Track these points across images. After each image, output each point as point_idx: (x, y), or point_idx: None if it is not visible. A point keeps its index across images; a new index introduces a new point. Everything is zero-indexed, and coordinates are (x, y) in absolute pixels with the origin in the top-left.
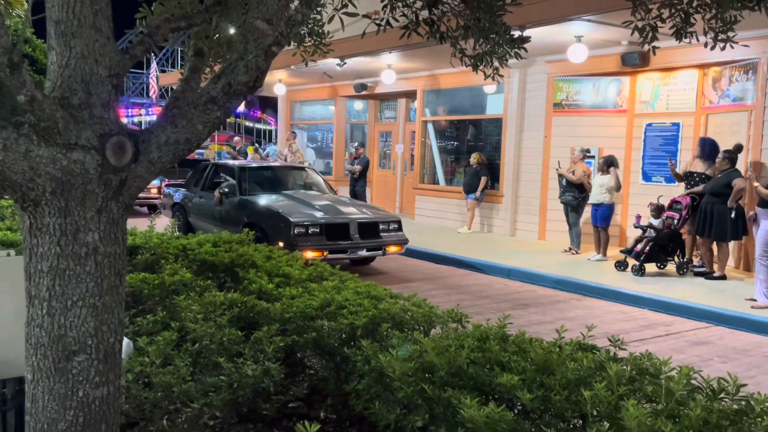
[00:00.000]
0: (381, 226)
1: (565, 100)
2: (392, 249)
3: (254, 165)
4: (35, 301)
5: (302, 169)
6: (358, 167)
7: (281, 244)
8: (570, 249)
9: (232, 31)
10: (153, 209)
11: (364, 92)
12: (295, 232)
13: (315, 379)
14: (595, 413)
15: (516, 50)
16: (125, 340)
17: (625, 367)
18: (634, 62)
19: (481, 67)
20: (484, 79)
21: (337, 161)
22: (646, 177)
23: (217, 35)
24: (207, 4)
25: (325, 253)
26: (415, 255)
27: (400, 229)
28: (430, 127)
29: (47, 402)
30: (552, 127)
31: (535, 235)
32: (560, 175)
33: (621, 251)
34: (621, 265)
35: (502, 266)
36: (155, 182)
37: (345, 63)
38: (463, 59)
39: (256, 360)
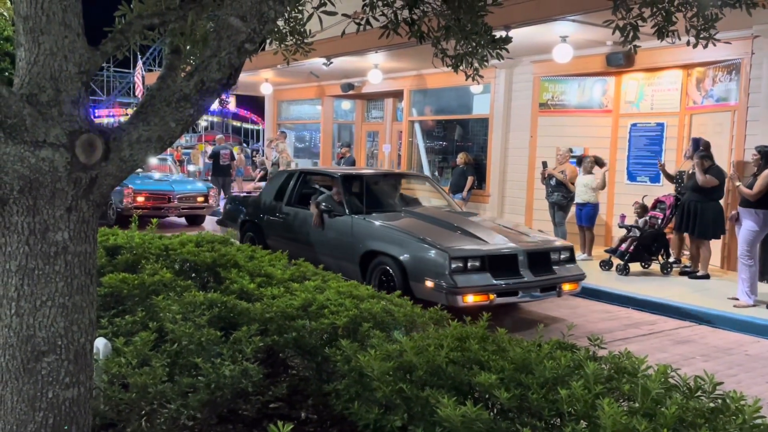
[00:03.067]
0: (552, 257)
1: (551, 100)
2: (567, 287)
3: (363, 173)
4: (3, 301)
5: (421, 177)
6: (344, 167)
7: (429, 284)
8: None
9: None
10: (193, 221)
11: (351, 92)
12: (453, 267)
13: (296, 379)
14: (571, 412)
15: (498, 51)
16: (102, 341)
17: (603, 366)
18: (619, 62)
19: (461, 68)
20: (465, 80)
21: (324, 161)
22: (631, 177)
23: (191, 33)
24: (181, 0)
25: (491, 297)
26: None
27: (572, 259)
28: (417, 126)
29: (16, 403)
30: (538, 127)
31: None
32: (549, 175)
33: (606, 251)
34: (605, 265)
35: None
36: (201, 188)
37: (331, 62)
38: (444, 60)
39: (235, 360)
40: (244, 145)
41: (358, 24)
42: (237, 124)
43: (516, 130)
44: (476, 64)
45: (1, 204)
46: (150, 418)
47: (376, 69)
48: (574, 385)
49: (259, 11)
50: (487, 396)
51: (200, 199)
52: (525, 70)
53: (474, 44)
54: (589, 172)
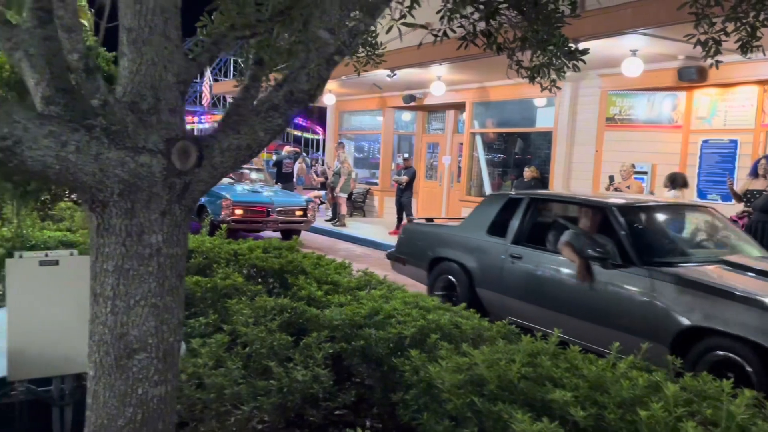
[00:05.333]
0: None
1: (618, 115)
2: None
3: (643, 203)
4: (99, 299)
5: (702, 208)
6: (405, 178)
7: None
8: None
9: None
10: (288, 236)
11: (412, 103)
12: None
13: (361, 387)
14: None
15: (573, 62)
16: None
17: (681, 388)
18: (692, 77)
19: (537, 79)
20: (541, 91)
21: (383, 172)
22: (702, 194)
23: (278, 44)
24: (270, 13)
25: None
26: None
27: None
28: (478, 139)
29: (108, 398)
30: (604, 141)
31: None
32: (617, 190)
33: None
34: None
35: None
36: (300, 201)
37: (395, 74)
38: (519, 71)
39: (306, 366)
40: (305, 154)
41: (435, 36)
42: (298, 133)
43: (581, 144)
44: (554, 76)
45: (102, 206)
46: (222, 418)
47: (439, 81)
48: (653, 406)
49: (347, 24)
50: (560, 414)
51: (299, 212)
52: (592, 84)
53: (550, 55)
54: (672, 189)
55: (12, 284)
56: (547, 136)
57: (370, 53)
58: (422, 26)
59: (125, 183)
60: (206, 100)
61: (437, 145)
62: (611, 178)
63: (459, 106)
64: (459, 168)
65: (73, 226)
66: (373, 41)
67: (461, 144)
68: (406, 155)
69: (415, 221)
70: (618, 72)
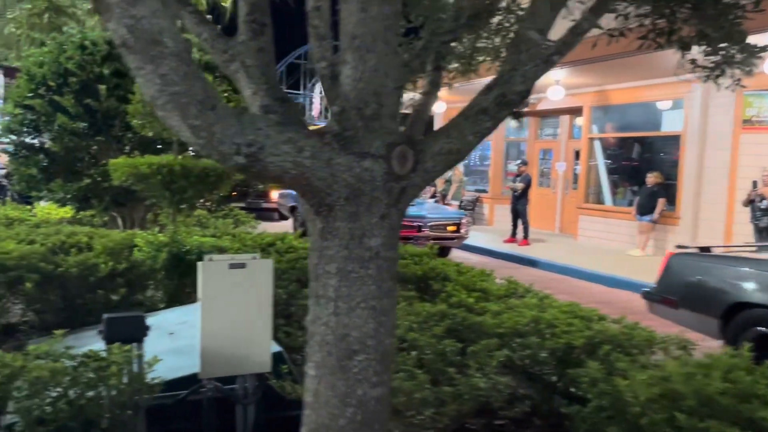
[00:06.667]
0: None
1: (756, 116)
2: None
3: None
4: (321, 300)
5: None
6: (520, 185)
7: None
8: None
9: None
10: (439, 253)
11: (525, 109)
12: None
13: (526, 397)
14: None
15: (754, 59)
16: None
17: None
18: None
19: (714, 78)
20: (717, 90)
21: (494, 179)
22: None
23: (457, 50)
24: (466, 18)
25: None
26: (591, 278)
27: None
28: (597, 144)
29: (329, 398)
30: (740, 145)
31: None
32: (761, 197)
33: None
34: None
35: None
36: (453, 215)
37: None
38: (695, 70)
39: (485, 373)
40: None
41: (611, 35)
42: None
43: (713, 149)
44: (737, 73)
45: (328, 210)
46: (406, 421)
47: (557, 85)
48: None
49: (553, 24)
50: None
51: (451, 228)
52: (726, 84)
53: (727, 52)
54: None
55: (205, 285)
56: (672, 140)
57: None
58: (598, 27)
59: (351, 187)
60: (316, 110)
61: (549, 151)
62: (755, 184)
63: (575, 111)
64: (574, 174)
65: (217, 232)
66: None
67: (576, 150)
68: (520, 162)
69: (686, 251)
70: (756, 71)
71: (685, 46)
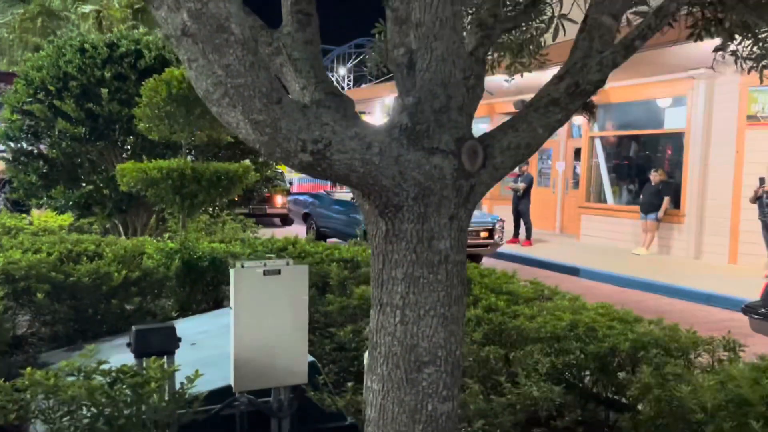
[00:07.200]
0: None
1: (761, 112)
2: None
3: None
4: (387, 308)
5: None
6: (522, 185)
7: None
8: None
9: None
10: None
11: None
12: None
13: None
14: None
15: None
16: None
17: None
18: None
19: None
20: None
21: None
22: None
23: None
24: (525, 4)
25: None
26: (595, 277)
27: None
28: (597, 143)
29: (397, 414)
30: (745, 141)
31: (725, 258)
32: (766, 194)
33: None
34: None
35: (698, 291)
36: (486, 220)
37: (513, 79)
38: (737, 62)
39: (534, 381)
40: None
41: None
42: None
43: (718, 146)
44: None
45: (395, 211)
46: None
47: None
48: None
49: (629, 8)
50: None
51: (484, 234)
52: (729, 80)
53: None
54: None
55: (237, 293)
56: (676, 138)
57: (534, 52)
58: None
59: (420, 186)
60: None
61: (548, 151)
62: (762, 180)
63: None
64: (574, 174)
65: (224, 238)
66: (540, 38)
67: (576, 149)
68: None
69: None
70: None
71: (729, 37)
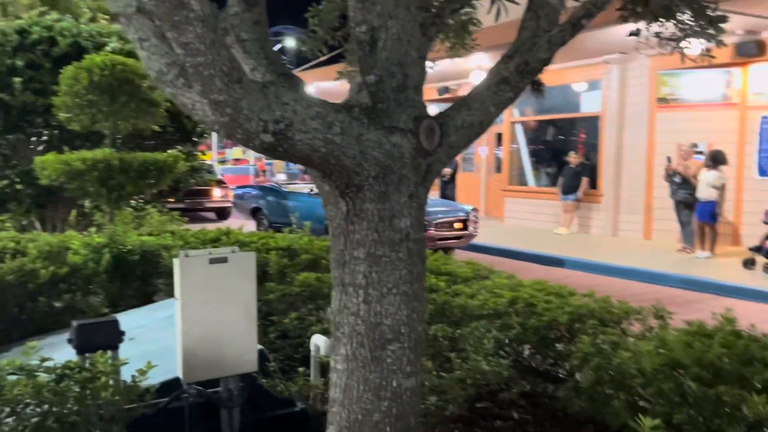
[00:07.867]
0: None
1: (670, 95)
2: None
3: None
4: (349, 288)
5: None
6: (448, 170)
7: None
8: (684, 248)
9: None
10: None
11: (446, 95)
12: None
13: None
14: None
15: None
16: (322, 338)
17: None
18: (751, 52)
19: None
20: (682, 62)
21: None
22: (763, 172)
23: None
24: None
25: None
26: (516, 256)
27: None
28: (518, 128)
29: (362, 392)
30: (656, 122)
31: (640, 235)
32: (674, 172)
33: (749, 248)
34: (750, 263)
35: (618, 267)
36: (458, 210)
37: (436, 65)
38: (663, 43)
39: (483, 356)
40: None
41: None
42: None
43: (631, 127)
44: (707, 44)
45: (356, 191)
46: None
47: (479, 70)
48: None
49: None
50: None
51: (458, 225)
52: (640, 65)
53: (695, 24)
54: (713, 168)
55: (183, 283)
56: (592, 121)
57: (463, 37)
58: None
59: (381, 165)
60: None
61: None
62: (669, 159)
63: None
64: (497, 158)
65: (153, 231)
66: (474, 22)
67: (498, 134)
68: None
69: None
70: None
71: (654, 18)
